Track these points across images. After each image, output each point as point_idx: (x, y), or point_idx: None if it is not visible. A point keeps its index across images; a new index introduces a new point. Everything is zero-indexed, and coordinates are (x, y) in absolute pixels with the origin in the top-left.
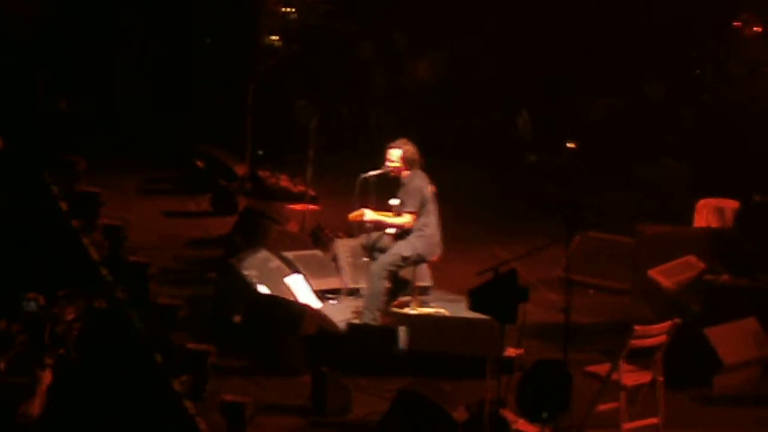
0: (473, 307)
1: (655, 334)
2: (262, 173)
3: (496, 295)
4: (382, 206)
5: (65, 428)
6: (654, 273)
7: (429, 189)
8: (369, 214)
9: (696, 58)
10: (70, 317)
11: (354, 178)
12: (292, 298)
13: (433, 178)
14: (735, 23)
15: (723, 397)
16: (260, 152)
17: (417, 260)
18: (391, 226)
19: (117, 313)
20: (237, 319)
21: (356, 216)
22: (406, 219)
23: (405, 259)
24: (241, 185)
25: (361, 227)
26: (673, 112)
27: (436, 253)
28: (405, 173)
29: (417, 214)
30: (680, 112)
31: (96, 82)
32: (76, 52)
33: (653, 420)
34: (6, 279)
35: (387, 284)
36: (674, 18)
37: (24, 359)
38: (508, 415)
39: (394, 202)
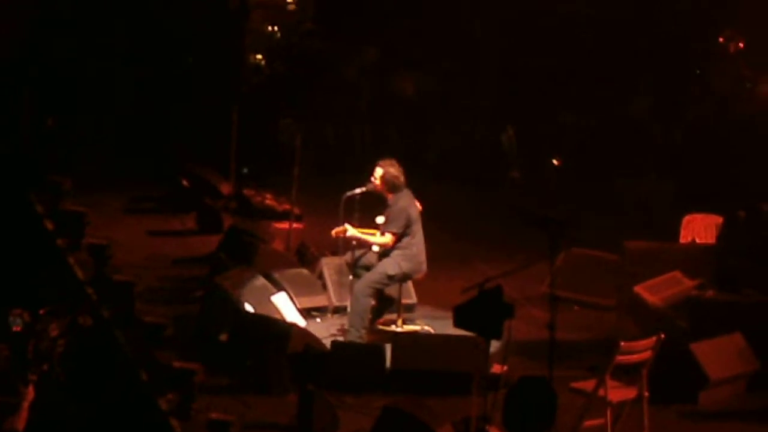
0: (458, 324)
1: (640, 350)
2: (247, 192)
3: (482, 312)
4: (367, 224)
5: None
6: (639, 289)
7: (415, 208)
8: (351, 231)
9: (681, 75)
10: (54, 333)
11: (339, 197)
12: (278, 317)
13: (418, 195)
14: (720, 39)
15: (709, 412)
16: (245, 170)
17: (402, 278)
18: (372, 244)
19: (102, 331)
20: (223, 337)
21: (339, 232)
22: (386, 239)
23: (390, 277)
24: (226, 204)
25: (347, 245)
26: (656, 128)
27: (421, 271)
28: (389, 195)
29: (399, 234)
30: (663, 128)
31: (82, 100)
32: (62, 71)
33: None
34: None
35: (372, 302)
36: (660, 35)
37: (7, 375)
38: None
39: (379, 220)
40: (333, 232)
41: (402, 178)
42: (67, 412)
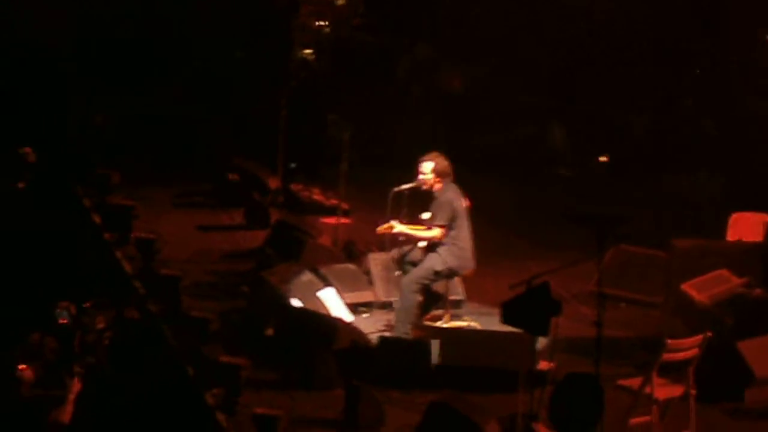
0: (505, 321)
1: (687, 347)
2: (294, 187)
3: (529, 309)
4: (413, 220)
5: None
6: (687, 287)
7: (461, 202)
8: (398, 227)
9: (728, 71)
10: (100, 326)
11: (386, 192)
12: (324, 312)
13: (466, 191)
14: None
15: (755, 410)
16: (293, 165)
17: (449, 274)
18: (420, 239)
19: (148, 324)
20: (269, 332)
21: (384, 229)
22: (435, 233)
23: (437, 273)
24: (273, 199)
25: (394, 241)
26: (707, 124)
27: (468, 267)
28: (437, 186)
29: (446, 227)
30: (713, 124)
31: (131, 96)
32: (112, 67)
33: None
34: (40, 292)
35: (419, 298)
36: (704, 32)
37: (54, 368)
38: (540, 428)
39: (425, 215)
40: (378, 230)
41: (451, 169)
42: (113, 405)
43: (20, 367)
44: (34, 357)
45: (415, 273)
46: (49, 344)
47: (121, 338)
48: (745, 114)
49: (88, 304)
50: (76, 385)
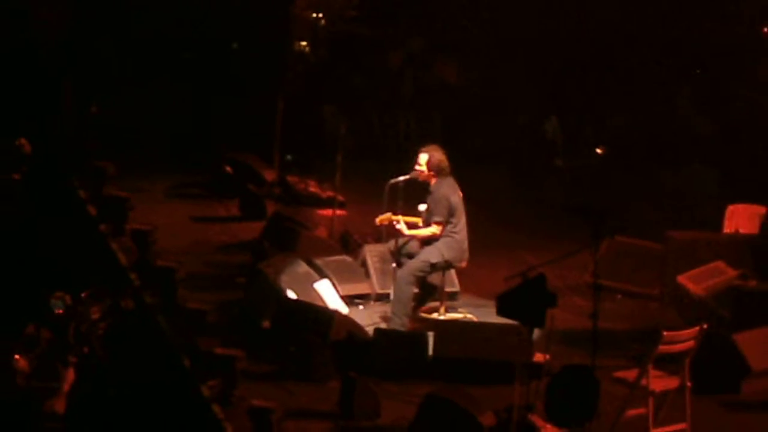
0: (501, 313)
1: (683, 339)
2: (290, 178)
3: (525, 301)
4: (409, 212)
5: (89, 427)
6: (683, 279)
7: (457, 196)
8: (402, 225)
9: (724, 65)
10: (95, 316)
11: (382, 184)
12: (320, 304)
13: (461, 183)
14: (765, 29)
15: (751, 402)
16: (289, 157)
17: (445, 266)
18: (420, 238)
19: (144, 315)
20: (266, 324)
21: (383, 220)
22: (433, 229)
23: (433, 265)
24: (269, 190)
25: (390, 232)
26: (700, 118)
27: (464, 259)
28: (433, 180)
29: (444, 223)
30: (707, 117)
31: (125, 86)
32: (105, 57)
33: (681, 425)
34: (34, 283)
35: (415, 290)
36: (702, 25)
37: (49, 357)
38: (536, 420)
39: (422, 207)
40: (377, 220)
41: (447, 163)
42: (108, 396)
43: (15, 357)
44: (29, 348)
45: (412, 265)
46: (44, 335)
47: (116, 329)
48: (740, 108)
49: (84, 294)
50: (70, 376)
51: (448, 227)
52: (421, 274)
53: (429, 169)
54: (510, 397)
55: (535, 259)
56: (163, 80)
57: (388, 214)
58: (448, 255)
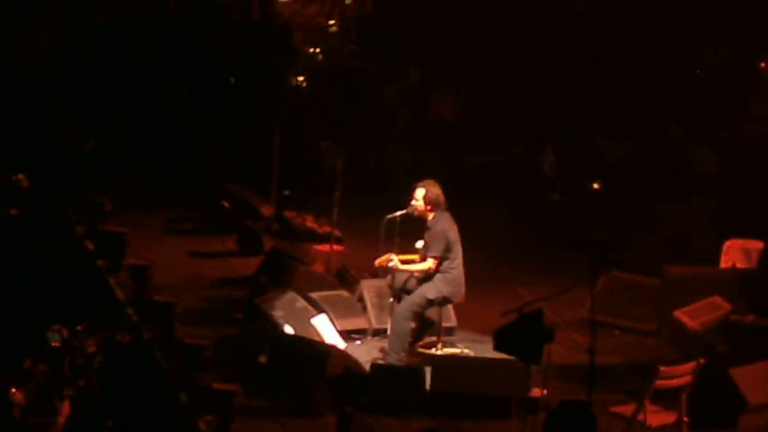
0: (498, 348)
1: (680, 374)
2: (288, 214)
3: (521, 336)
4: (406, 248)
5: None
6: (679, 314)
7: (454, 231)
8: (395, 261)
9: (720, 99)
10: (91, 349)
11: (379, 219)
12: (317, 339)
13: (458, 217)
14: (761, 64)
15: None
16: (286, 192)
17: (442, 302)
18: (416, 272)
19: (140, 349)
20: (263, 359)
21: (382, 262)
22: (429, 264)
23: (430, 301)
24: (267, 225)
25: (387, 268)
26: (696, 151)
27: (461, 294)
28: (430, 215)
29: (440, 258)
30: (703, 151)
31: (122, 122)
32: (103, 91)
33: None
34: (32, 317)
35: (412, 325)
36: (696, 59)
37: (45, 391)
38: None
39: (419, 244)
40: (376, 263)
41: (443, 198)
42: (103, 429)
43: (12, 390)
44: (25, 381)
45: (409, 300)
46: (41, 368)
47: (112, 362)
48: (739, 139)
49: (80, 327)
50: (66, 409)
51: (446, 263)
52: (418, 309)
53: (426, 204)
54: None
55: (531, 294)
56: (160, 114)
57: (387, 255)
58: (445, 290)
